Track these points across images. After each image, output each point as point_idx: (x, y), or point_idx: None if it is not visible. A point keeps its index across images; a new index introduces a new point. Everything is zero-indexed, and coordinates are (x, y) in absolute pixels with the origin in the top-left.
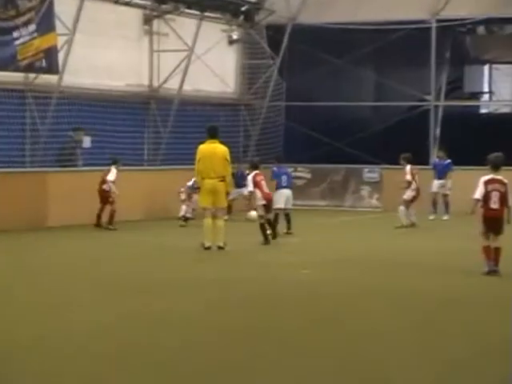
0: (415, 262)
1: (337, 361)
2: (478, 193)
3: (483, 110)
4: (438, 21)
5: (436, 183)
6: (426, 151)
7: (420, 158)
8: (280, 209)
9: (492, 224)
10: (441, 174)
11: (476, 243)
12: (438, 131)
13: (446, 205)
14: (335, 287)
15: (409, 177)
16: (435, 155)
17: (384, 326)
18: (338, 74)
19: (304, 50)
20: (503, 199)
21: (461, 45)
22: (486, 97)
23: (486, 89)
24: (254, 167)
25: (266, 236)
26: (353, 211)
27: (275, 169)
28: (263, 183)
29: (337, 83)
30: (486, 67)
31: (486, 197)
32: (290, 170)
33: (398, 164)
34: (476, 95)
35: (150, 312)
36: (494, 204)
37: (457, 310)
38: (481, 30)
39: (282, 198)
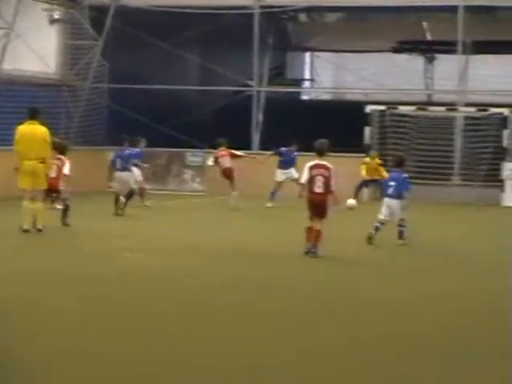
0: (241, 249)
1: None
2: (304, 178)
3: (305, 97)
4: (262, 7)
5: (281, 172)
6: (249, 136)
7: (243, 143)
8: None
9: (316, 208)
10: (287, 164)
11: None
12: (260, 116)
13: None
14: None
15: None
16: (256, 140)
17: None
18: (163, 57)
19: (129, 32)
20: (327, 184)
21: (283, 31)
22: (307, 83)
23: (307, 76)
24: (60, 150)
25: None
26: (176, 195)
27: (115, 152)
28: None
29: (162, 66)
30: (308, 54)
31: (311, 181)
32: (128, 151)
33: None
34: (298, 82)
35: None
36: (318, 188)
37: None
38: (303, 17)
39: (117, 181)
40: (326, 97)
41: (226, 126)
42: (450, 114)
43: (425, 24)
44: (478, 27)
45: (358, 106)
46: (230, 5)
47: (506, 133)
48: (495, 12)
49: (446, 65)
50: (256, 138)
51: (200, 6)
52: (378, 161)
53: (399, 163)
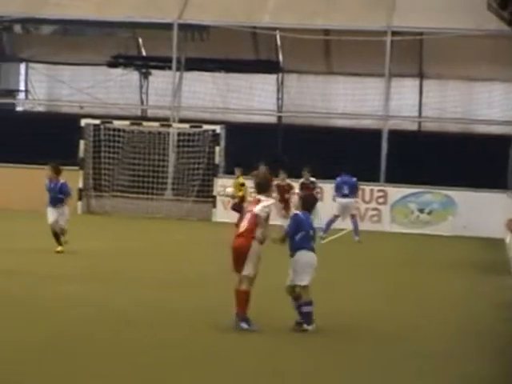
0: None
1: None
2: None
3: (19, 108)
4: None
5: None
6: None
7: None
8: None
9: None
10: None
11: None
12: None
13: None
14: None
15: None
16: None
17: None
18: None
19: None
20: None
21: None
22: (22, 95)
23: (22, 87)
24: None
25: None
26: None
27: None
28: None
29: None
30: (23, 65)
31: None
32: None
33: None
34: (12, 93)
35: None
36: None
37: None
38: (17, 28)
39: None
40: (41, 109)
41: None
42: (164, 130)
43: (140, 40)
44: (190, 45)
45: (74, 119)
46: None
47: (217, 149)
48: (206, 31)
49: (161, 81)
50: None
51: None
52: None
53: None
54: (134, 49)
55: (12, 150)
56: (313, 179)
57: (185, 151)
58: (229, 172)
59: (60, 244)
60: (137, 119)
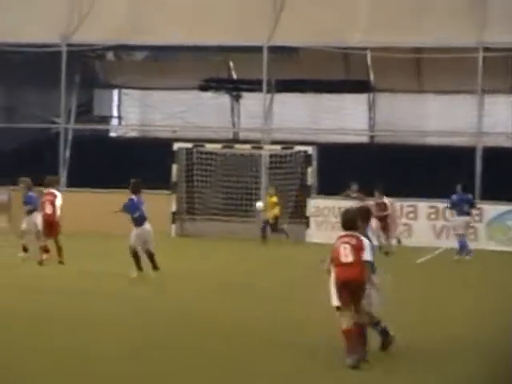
0: None
1: None
2: None
3: (113, 134)
4: (69, 45)
5: None
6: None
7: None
8: None
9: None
10: None
11: None
12: (67, 153)
13: None
14: None
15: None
16: (63, 177)
17: None
18: None
19: None
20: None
21: (91, 69)
22: (115, 121)
23: (115, 113)
24: None
25: None
26: None
27: None
28: None
29: None
30: (116, 92)
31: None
32: None
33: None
34: (105, 119)
35: None
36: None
37: None
38: (110, 55)
39: None
40: (133, 134)
41: (33, 163)
42: (256, 152)
43: (231, 63)
44: (280, 67)
45: (166, 143)
46: (35, 42)
47: (310, 170)
48: (296, 52)
49: (252, 103)
50: (63, 175)
51: (3, 43)
52: (274, 199)
53: None
54: (225, 72)
55: (106, 175)
56: (386, 200)
57: (277, 173)
58: (322, 192)
59: (138, 269)
60: (229, 142)
